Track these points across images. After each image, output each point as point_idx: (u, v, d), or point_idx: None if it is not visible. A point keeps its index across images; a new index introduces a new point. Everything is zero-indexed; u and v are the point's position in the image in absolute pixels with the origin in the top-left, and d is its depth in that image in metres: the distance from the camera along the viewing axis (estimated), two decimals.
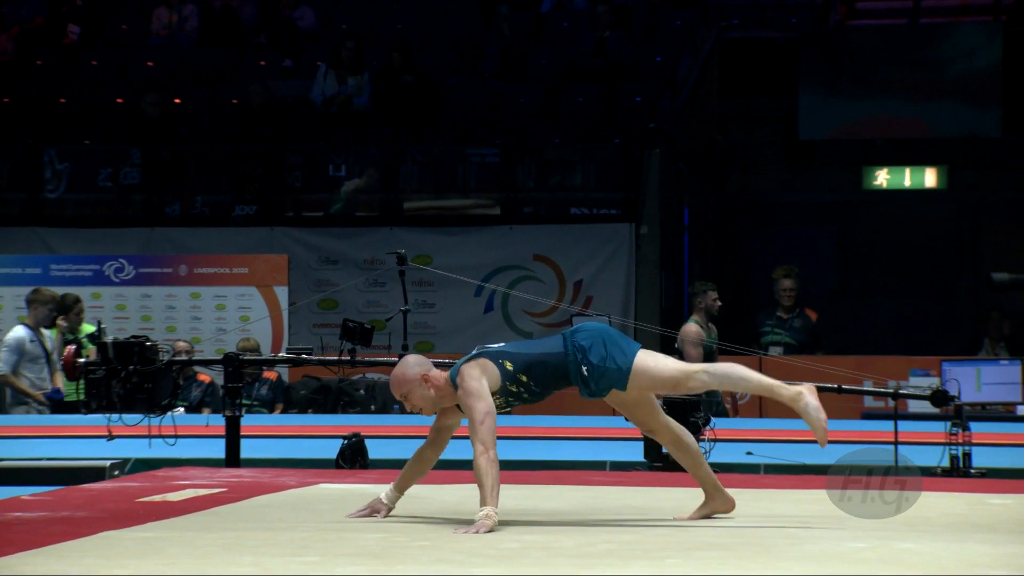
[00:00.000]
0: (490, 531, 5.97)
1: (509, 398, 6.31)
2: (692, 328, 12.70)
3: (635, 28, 19.64)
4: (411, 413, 6.53)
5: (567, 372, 6.25)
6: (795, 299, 14.69)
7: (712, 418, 8.68)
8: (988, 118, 19.17)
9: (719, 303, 12.97)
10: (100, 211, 18.17)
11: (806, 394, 6.02)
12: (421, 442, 6.58)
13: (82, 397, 9.15)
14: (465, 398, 6.19)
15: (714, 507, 6.48)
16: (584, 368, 6.22)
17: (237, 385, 9.32)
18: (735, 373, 6.18)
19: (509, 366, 6.24)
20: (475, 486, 6.22)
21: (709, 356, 12.65)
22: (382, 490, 6.40)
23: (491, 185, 18.25)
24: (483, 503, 6.08)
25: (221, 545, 5.60)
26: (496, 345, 6.39)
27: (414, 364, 6.38)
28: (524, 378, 6.24)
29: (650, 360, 6.22)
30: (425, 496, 6.90)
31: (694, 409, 8.59)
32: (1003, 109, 19.09)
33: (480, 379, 6.20)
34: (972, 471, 8.83)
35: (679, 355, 12.92)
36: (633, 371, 6.19)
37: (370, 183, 18.15)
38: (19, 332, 13.77)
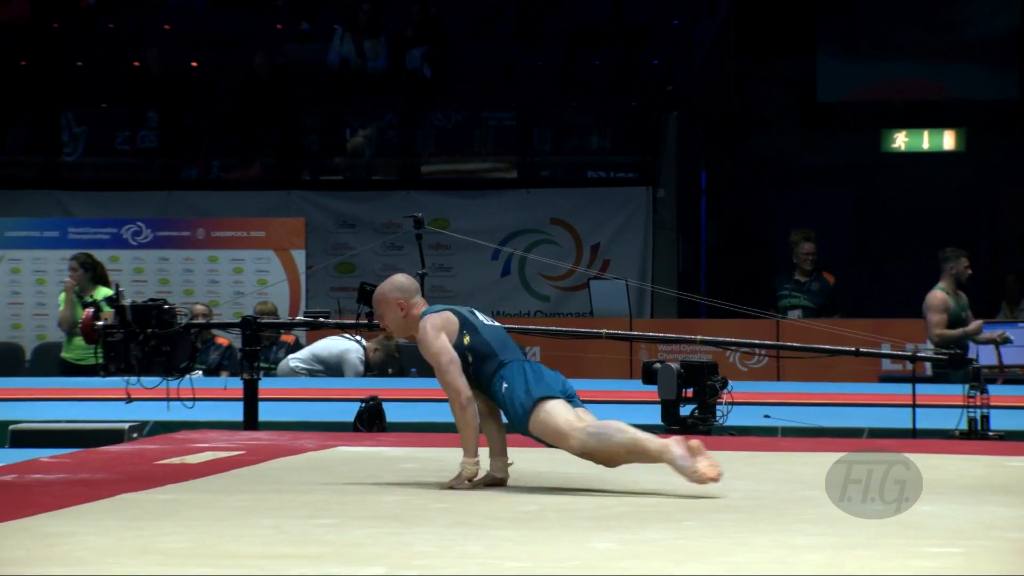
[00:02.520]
0: (470, 481, 6.06)
1: None
2: (937, 295, 12.64)
3: None
4: (382, 329, 6.46)
5: (492, 393, 6.16)
6: (814, 262, 14.64)
7: (729, 381, 8.66)
8: (1006, 81, 19.10)
9: (970, 270, 12.88)
10: (117, 174, 18.18)
11: (671, 446, 5.83)
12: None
13: (100, 360, 9.17)
14: (425, 350, 6.13)
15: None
16: (502, 410, 6.16)
17: (255, 348, 9.33)
18: (609, 429, 5.97)
19: (467, 340, 6.15)
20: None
21: (957, 323, 12.59)
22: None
23: (508, 148, 18.23)
24: (464, 453, 6.10)
25: (240, 507, 5.62)
26: (478, 319, 6.27)
27: (396, 288, 6.27)
28: (470, 358, 6.14)
29: (543, 411, 6.05)
30: (443, 458, 6.90)
31: (712, 372, 8.58)
32: (1021, 72, 19.00)
33: (438, 333, 6.12)
34: (990, 434, 8.82)
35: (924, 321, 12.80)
36: (531, 417, 6.06)
37: (372, 138, 18.13)
38: None
